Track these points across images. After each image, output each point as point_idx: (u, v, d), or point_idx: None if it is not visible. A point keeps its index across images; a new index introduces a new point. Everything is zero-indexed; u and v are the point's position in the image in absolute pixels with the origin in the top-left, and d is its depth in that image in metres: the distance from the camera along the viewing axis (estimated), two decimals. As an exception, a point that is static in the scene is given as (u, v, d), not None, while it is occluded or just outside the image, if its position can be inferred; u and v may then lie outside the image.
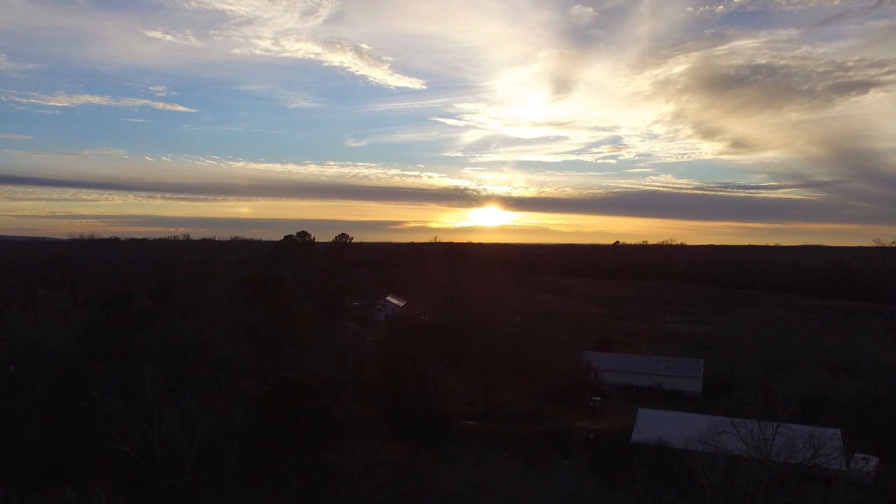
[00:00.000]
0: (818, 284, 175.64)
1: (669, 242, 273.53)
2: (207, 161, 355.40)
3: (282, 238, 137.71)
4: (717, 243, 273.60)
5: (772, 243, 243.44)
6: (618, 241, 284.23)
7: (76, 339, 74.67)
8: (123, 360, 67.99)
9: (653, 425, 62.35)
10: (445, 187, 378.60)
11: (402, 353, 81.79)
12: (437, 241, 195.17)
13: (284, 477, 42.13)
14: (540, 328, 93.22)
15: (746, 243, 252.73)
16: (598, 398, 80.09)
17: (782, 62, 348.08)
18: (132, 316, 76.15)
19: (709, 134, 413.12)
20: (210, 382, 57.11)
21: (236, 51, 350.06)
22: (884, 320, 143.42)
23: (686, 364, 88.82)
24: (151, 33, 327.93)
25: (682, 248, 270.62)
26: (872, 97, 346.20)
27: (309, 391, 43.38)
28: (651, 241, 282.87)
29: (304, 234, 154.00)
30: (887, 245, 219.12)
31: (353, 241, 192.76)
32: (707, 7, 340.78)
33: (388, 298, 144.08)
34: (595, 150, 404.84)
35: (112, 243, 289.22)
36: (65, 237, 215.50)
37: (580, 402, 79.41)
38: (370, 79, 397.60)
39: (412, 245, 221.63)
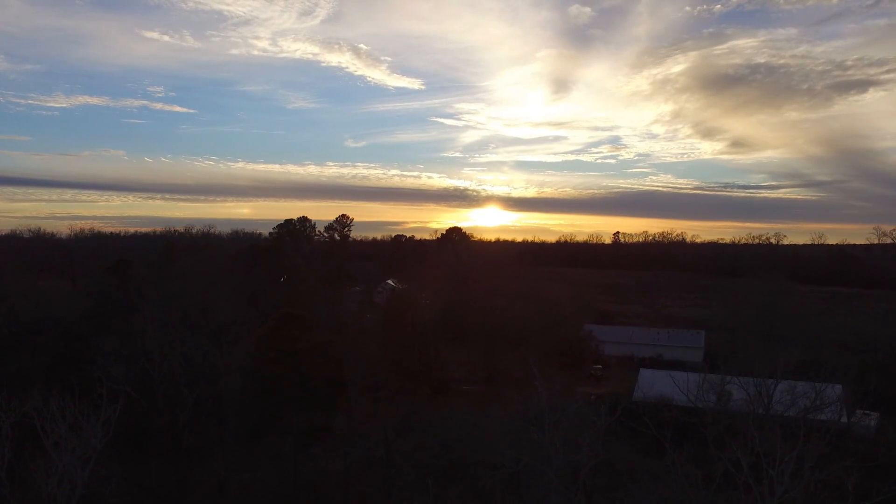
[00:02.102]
0: (819, 272, 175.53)
1: (669, 233, 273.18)
2: (207, 162, 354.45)
3: (283, 221, 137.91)
4: (717, 241, 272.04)
5: (773, 241, 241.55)
6: (618, 232, 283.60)
7: (78, 308, 74.61)
8: (124, 322, 67.87)
9: (654, 384, 62.39)
10: (445, 187, 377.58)
11: (402, 320, 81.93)
12: (437, 235, 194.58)
13: (283, 411, 42.04)
14: (542, 300, 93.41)
15: (746, 241, 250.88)
16: (600, 366, 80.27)
17: (781, 61, 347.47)
18: (132, 281, 76.07)
19: (708, 133, 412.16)
20: (212, 340, 57.10)
21: (234, 51, 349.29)
22: (885, 304, 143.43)
23: (687, 335, 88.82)
24: (149, 34, 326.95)
25: (682, 244, 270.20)
26: (872, 96, 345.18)
27: (310, 327, 43.37)
28: (651, 232, 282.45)
29: (304, 219, 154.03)
30: (888, 242, 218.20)
31: (354, 236, 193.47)
32: (705, 6, 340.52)
33: (389, 282, 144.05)
34: (594, 149, 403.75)
35: (114, 237, 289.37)
36: (66, 235, 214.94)
37: (581, 370, 79.53)
38: (368, 79, 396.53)
39: (412, 239, 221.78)
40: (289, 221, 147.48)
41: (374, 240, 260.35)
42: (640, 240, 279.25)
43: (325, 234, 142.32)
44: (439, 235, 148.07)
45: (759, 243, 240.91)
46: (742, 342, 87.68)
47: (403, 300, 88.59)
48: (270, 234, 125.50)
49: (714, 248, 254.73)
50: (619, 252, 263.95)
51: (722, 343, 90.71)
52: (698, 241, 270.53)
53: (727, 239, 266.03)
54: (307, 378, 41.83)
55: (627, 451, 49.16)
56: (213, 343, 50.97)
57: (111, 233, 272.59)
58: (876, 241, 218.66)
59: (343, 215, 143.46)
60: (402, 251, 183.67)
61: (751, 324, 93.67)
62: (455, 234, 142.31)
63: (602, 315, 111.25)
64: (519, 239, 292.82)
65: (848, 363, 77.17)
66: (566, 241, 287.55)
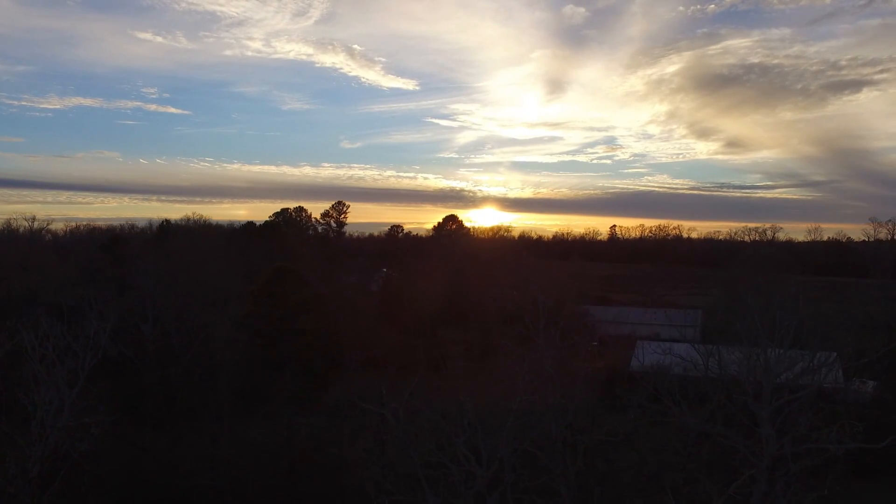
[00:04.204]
0: (816, 263, 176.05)
1: (665, 226, 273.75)
2: (202, 163, 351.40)
3: (279, 210, 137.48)
4: (714, 234, 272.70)
5: (769, 235, 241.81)
6: (614, 226, 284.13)
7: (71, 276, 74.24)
8: (118, 296, 67.43)
9: (651, 355, 62.13)
10: (441, 188, 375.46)
11: (399, 300, 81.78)
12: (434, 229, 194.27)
13: (278, 368, 41.68)
14: (539, 282, 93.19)
15: (743, 237, 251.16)
16: (596, 343, 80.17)
17: (775, 61, 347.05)
18: (127, 258, 75.66)
19: (703, 134, 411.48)
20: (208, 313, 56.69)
21: (228, 52, 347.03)
22: (881, 291, 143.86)
23: (683, 314, 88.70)
24: (142, 35, 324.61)
25: (678, 239, 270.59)
26: (866, 96, 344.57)
27: (304, 281, 43.02)
28: (648, 226, 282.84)
29: (300, 209, 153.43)
30: (883, 234, 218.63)
31: (350, 233, 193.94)
32: (699, 6, 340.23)
33: (384, 270, 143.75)
34: (590, 150, 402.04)
35: (110, 230, 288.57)
36: (61, 231, 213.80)
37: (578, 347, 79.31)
38: (363, 80, 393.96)
39: (408, 234, 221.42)
40: (285, 210, 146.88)
41: (371, 236, 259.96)
42: (637, 234, 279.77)
43: (322, 221, 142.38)
44: (436, 224, 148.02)
45: (755, 240, 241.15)
46: (738, 321, 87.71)
47: (400, 282, 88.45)
48: (266, 221, 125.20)
49: (710, 242, 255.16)
50: (615, 246, 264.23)
51: (718, 323, 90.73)
52: (695, 235, 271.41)
53: (724, 233, 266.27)
54: (301, 333, 41.50)
55: (625, 420, 49.05)
56: (208, 305, 50.74)
57: (107, 227, 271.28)
58: (872, 235, 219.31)
59: (339, 202, 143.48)
60: (398, 244, 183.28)
61: (747, 307, 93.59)
62: (451, 222, 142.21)
63: (600, 299, 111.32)
64: (516, 235, 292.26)
65: (845, 339, 77.59)
66: (563, 237, 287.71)
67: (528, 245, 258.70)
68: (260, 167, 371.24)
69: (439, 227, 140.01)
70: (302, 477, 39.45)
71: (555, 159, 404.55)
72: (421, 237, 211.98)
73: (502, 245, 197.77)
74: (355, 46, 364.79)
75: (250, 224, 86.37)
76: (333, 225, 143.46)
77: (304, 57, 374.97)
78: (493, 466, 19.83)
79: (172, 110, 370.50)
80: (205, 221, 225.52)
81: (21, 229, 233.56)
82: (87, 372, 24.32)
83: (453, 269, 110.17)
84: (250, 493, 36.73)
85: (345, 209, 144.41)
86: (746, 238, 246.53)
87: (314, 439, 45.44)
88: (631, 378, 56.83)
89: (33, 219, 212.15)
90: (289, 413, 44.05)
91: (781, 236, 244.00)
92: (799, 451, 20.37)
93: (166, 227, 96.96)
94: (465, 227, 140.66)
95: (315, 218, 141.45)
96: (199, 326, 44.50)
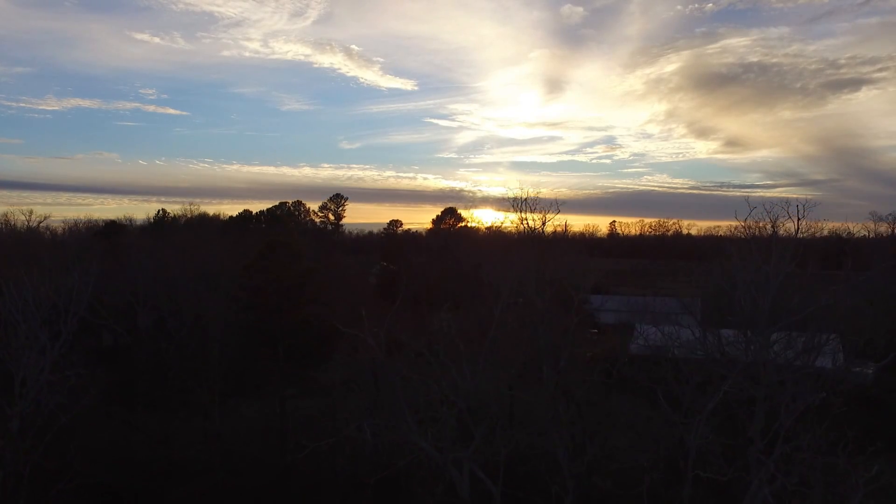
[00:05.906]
0: (815, 256, 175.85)
1: (665, 222, 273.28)
2: (201, 164, 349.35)
3: (277, 203, 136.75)
4: (713, 230, 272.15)
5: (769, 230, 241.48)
6: (614, 221, 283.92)
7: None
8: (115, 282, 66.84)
9: (650, 339, 61.54)
10: (441, 189, 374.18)
11: (394, 281, 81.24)
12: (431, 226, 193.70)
13: (271, 343, 41.16)
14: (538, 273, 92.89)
15: (742, 234, 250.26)
16: (596, 330, 79.58)
17: (774, 60, 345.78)
18: (123, 243, 75.17)
19: (702, 133, 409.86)
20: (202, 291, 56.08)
21: (226, 53, 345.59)
22: (882, 282, 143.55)
23: (683, 301, 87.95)
24: (139, 35, 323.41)
25: (678, 235, 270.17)
26: (865, 94, 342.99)
27: (298, 255, 42.49)
28: (647, 221, 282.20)
29: (299, 203, 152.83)
30: (883, 228, 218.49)
31: (349, 232, 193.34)
32: (697, 5, 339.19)
33: (382, 263, 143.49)
34: (589, 150, 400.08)
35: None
36: (60, 229, 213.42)
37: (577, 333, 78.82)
38: (361, 80, 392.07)
39: (407, 231, 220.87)
40: (283, 204, 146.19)
41: (370, 233, 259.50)
42: (637, 230, 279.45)
43: (320, 214, 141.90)
44: (434, 217, 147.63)
45: (755, 235, 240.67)
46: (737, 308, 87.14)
47: (397, 270, 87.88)
48: (263, 210, 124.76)
49: (710, 239, 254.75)
50: (615, 242, 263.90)
51: (717, 311, 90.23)
52: (694, 232, 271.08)
53: (723, 228, 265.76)
54: (295, 308, 40.98)
55: (625, 404, 48.61)
56: (202, 285, 50.18)
57: (106, 222, 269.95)
58: (873, 230, 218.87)
59: (337, 195, 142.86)
60: (396, 239, 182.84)
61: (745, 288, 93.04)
62: (449, 215, 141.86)
63: (599, 290, 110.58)
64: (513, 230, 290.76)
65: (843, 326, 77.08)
66: (562, 233, 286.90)
67: (527, 238, 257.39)
68: (259, 168, 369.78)
69: (438, 220, 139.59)
70: (294, 450, 38.87)
71: (554, 159, 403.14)
72: (420, 234, 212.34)
73: (501, 240, 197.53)
74: (353, 47, 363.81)
75: (247, 212, 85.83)
76: (331, 217, 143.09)
77: (302, 57, 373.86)
78: (475, 379, 19.42)
79: (171, 111, 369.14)
80: (202, 213, 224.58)
81: (19, 224, 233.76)
82: (72, 328, 23.81)
83: (451, 258, 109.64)
84: (241, 467, 36.22)
85: (343, 202, 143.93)
86: (745, 230, 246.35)
87: (308, 415, 44.93)
88: (631, 360, 56.41)
89: (30, 212, 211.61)
90: (282, 391, 43.56)
91: (781, 231, 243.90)
92: (797, 379, 19.91)
93: (163, 216, 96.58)
94: (464, 219, 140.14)
95: (313, 211, 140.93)
96: (192, 303, 43.99)
